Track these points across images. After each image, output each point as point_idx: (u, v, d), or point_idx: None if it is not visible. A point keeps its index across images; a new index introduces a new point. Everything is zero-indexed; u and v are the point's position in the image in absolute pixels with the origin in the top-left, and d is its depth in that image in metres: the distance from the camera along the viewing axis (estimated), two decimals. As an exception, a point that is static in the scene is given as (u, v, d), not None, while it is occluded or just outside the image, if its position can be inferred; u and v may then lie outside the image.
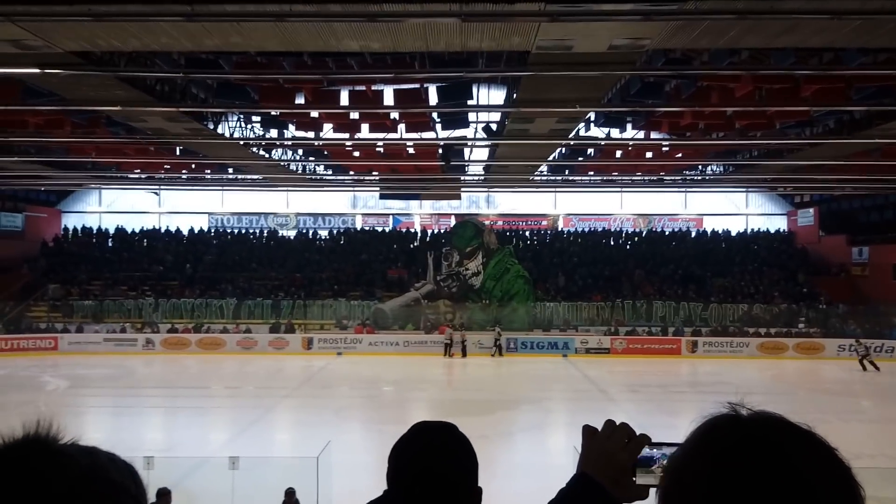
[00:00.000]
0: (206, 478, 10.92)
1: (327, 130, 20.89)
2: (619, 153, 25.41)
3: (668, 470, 0.91)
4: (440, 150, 22.76)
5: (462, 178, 30.98)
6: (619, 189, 38.50)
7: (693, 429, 0.91)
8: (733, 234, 41.11)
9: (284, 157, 27.57)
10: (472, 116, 21.12)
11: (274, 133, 22.96)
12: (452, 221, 40.66)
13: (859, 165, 25.06)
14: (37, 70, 13.24)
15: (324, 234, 41.63)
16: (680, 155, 25.81)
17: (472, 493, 1.71)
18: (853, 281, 35.74)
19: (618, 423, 1.41)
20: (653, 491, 0.98)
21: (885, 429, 17.59)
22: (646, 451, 1.36)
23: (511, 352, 30.41)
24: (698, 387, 25.19)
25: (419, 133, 22.05)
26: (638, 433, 1.39)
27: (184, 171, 30.54)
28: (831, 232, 38.77)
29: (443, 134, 21.74)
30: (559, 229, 42.02)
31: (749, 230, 41.80)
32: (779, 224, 42.27)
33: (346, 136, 21.31)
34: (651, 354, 30.37)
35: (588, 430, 1.42)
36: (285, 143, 24.77)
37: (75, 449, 0.92)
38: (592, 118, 20.11)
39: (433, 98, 17.52)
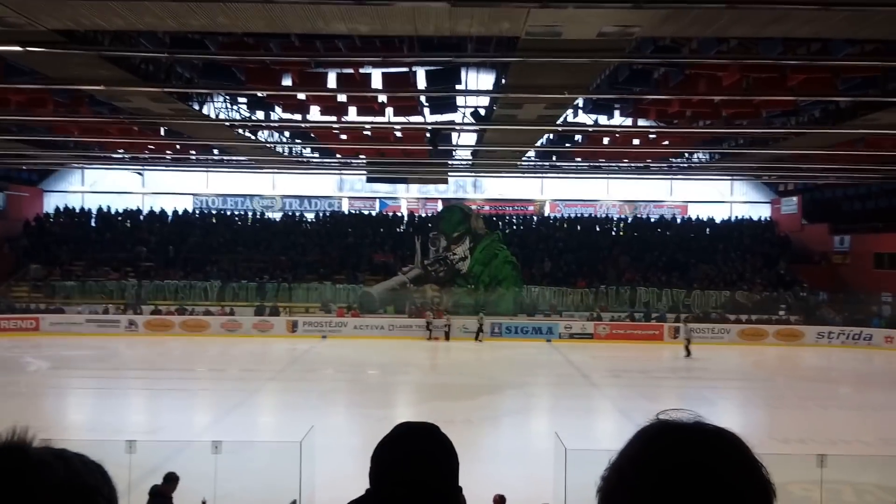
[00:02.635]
0: (189, 461, 10.90)
1: (314, 113, 20.74)
2: (606, 140, 25.44)
3: (611, 467, 1.03)
4: (428, 135, 22.68)
5: (449, 162, 30.91)
6: (605, 175, 38.57)
7: (634, 433, 1.05)
8: (717, 221, 41.40)
9: (270, 140, 27.36)
10: (460, 101, 21.03)
11: (260, 115, 22.75)
12: (439, 205, 40.61)
13: (844, 155, 25.27)
14: (19, 48, 13.02)
15: (310, 216, 41.44)
16: (667, 142, 25.89)
17: (454, 495, 1.72)
18: (834, 269, 36.11)
19: None
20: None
21: (861, 415, 17.88)
22: None
23: (496, 336, 30.54)
24: (679, 372, 25.46)
25: (407, 117, 21.95)
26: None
27: (168, 152, 30.23)
28: (814, 220, 39.11)
29: (431, 118, 21.63)
30: (545, 215, 42.12)
31: (733, 218, 42.10)
32: (762, 212, 42.60)
33: (334, 118, 21.17)
34: (634, 340, 30.63)
35: None
36: (271, 124, 24.59)
37: (50, 455, 0.93)
38: (581, 104, 20.09)
39: (421, 82, 17.42)
